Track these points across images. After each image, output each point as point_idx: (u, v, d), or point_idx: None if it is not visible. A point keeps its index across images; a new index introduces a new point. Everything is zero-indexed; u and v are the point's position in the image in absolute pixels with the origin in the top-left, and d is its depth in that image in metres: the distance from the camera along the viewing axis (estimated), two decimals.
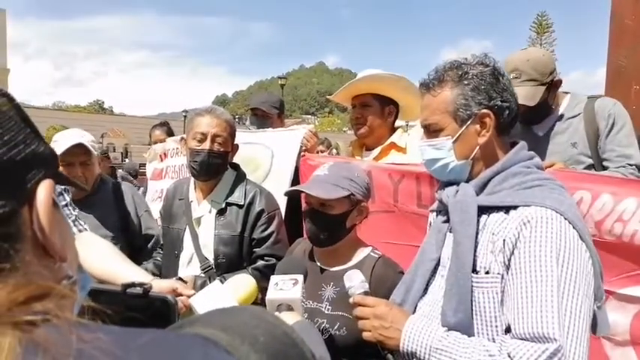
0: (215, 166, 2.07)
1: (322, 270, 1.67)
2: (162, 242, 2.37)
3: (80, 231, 1.86)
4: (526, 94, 2.07)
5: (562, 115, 2.23)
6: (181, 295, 1.46)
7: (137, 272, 1.70)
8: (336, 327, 1.53)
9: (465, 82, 1.20)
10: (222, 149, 2.07)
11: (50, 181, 0.46)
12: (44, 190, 0.45)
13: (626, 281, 1.65)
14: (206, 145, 2.04)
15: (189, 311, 1.49)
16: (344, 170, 1.65)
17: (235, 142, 2.16)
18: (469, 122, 1.20)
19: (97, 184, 2.44)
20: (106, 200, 2.42)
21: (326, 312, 1.58)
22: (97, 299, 0.46)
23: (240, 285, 1.40)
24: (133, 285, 1.00)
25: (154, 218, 2.62)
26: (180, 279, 1.70)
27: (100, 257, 1.47)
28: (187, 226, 2.14)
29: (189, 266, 2.09)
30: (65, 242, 0.49)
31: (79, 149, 2.26)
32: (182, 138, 2.67)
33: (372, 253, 1.65)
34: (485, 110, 1.19)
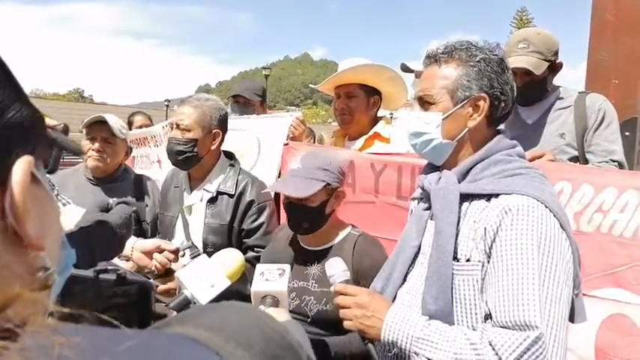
0: (178, 153, 2.04)
1: (306, 250, 1.72)
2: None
3: (64, 205, 1.84)
4: (533, 63, 2.11)
5: (552, 106, 2.27)
6: (164, 250, 1.60)
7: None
8: (322, 303, 1.60)
9: (471, 64, 1.20)
10: (185, 136, 2.04)
11: (29, 158, 0.40)
12: (21, 169, 0.39)
13: (599, 281, 1.59)
14: (173, 134, 2.08)
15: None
16: (317, 160, 1.65)
17: (216, 130, 2.10)
18: (464, 103, 1.20)
19: (119, 172, 2.52)
20: (126, 190, 2.45)
21: (312, 289, 1.64)
22: (72, 288, 0.43)
23: (228, 259, 1.38)
24: (105, 270, 0.97)
25: None
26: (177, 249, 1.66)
27: None
28: (180, 214, 2.14)
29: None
30: (45, 223, 0.43)
31: (102, 126, 2.38)
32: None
33: (352, 232, 1.72)
34: (482, 94, 1.19)
